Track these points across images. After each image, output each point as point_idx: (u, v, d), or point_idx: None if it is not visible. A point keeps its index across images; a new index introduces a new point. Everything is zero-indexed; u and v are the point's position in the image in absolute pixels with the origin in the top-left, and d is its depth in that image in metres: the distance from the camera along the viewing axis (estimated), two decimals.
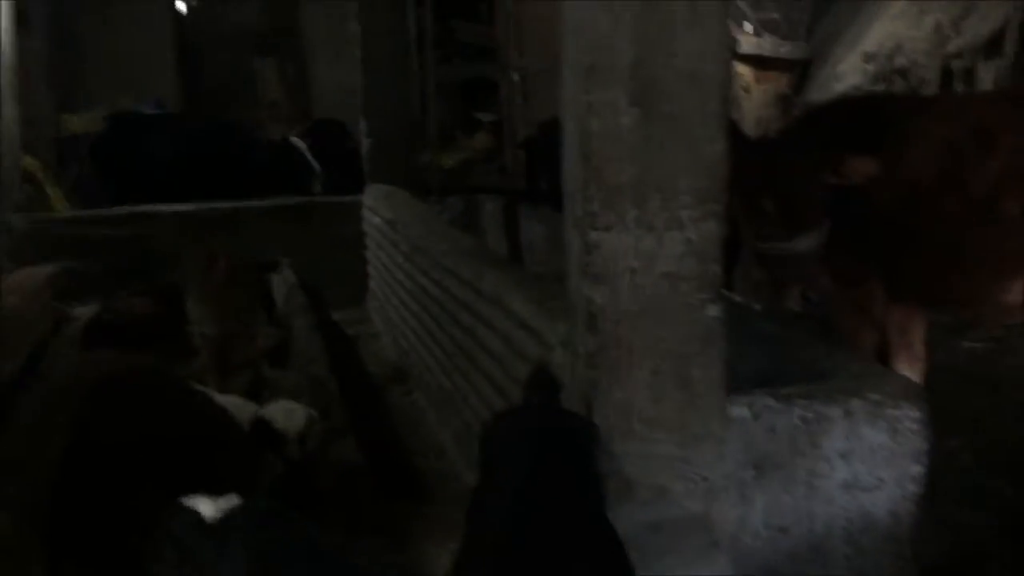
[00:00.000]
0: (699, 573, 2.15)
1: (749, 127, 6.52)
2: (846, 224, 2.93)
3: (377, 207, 5.61)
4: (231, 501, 1.49)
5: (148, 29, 9.57)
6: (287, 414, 3.08)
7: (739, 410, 2.21)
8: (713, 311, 2.14)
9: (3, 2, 6.18)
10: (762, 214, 2.79)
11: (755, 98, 7.03)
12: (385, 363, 5.07)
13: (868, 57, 6.60)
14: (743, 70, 6.91)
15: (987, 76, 6.19)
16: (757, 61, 7.03)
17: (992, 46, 6.23)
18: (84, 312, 5.68)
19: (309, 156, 7.57)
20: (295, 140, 7.77)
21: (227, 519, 1.46)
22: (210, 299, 4.10)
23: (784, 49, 7.17)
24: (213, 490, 2.14)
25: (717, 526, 2.23)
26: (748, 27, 7.07)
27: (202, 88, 10.23)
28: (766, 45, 7.09)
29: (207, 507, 1.48)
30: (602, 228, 2.07)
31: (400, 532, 2.97)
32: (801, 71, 7.30)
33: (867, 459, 2.29)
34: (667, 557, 2.13)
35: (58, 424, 2.24)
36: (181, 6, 10.46)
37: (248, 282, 4.23)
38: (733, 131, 2.29)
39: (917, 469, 2.32)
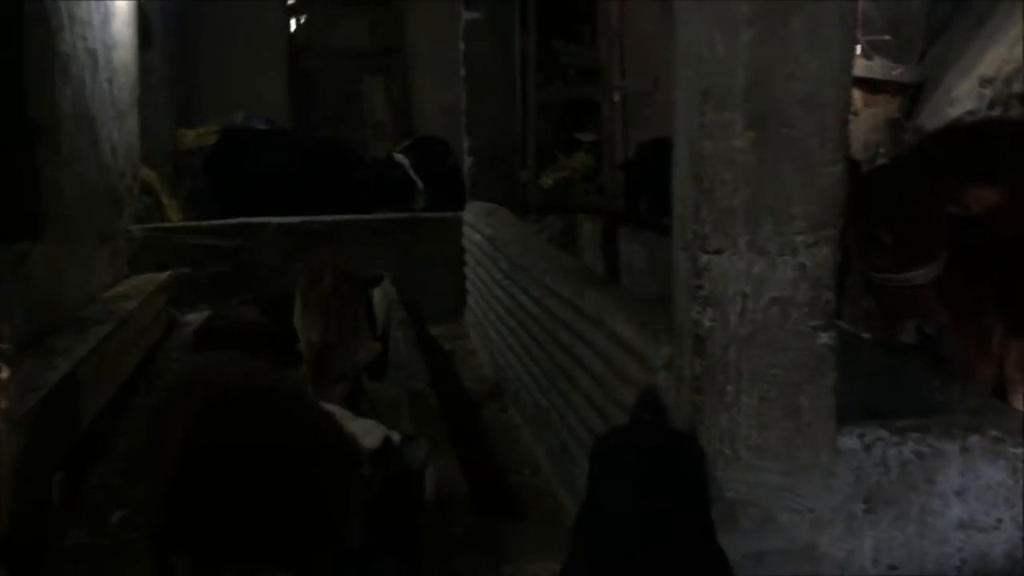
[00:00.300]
0: None
1: (857, 151, 6.36)
2: (965, 255, 2.83)
3: (478, 224, 5.68)
4: None
5: (261, 47, 9.89)
6: (364, 433, 3.12)
7: (849, 441, 2.16)
8: (825, 339, 2.10)
9: (128, 20, 6.49)
10: (877, 244, 2.71)
11: (864, 122, 6.85)
12: (481, 379, 5.11)
13: (985, 82, 6.37)
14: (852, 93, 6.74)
15: None
16: (867, 84, 6.85)
17: None
18: (195, 318, 5.92)
19: (412, 172, 7.71)
20: (398, 157, 7.92)
21: None
22: (315, 310, 4.19)
23: (895, 72, 6.96)
24: (318, 503, 2.18)
25: (823, 560, 2.18)
26: (858, 49, 6.90)
27: (310, 105, 10.53)
28: (876, 68, 6.90)
29: None
30: (712, 251, 2.06)
31: (495, 548, 2.98)
32: (912, 95, 7.09)
33: (984, 498, 2.20)
34: None
35: (177, 424, 2.32)
36: (293, 25, 10.79)
37: (353, 295, 4.31)
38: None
39: None
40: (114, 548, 3.26)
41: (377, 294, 5.78)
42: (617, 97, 8.57)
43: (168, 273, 6.23)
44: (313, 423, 2.41)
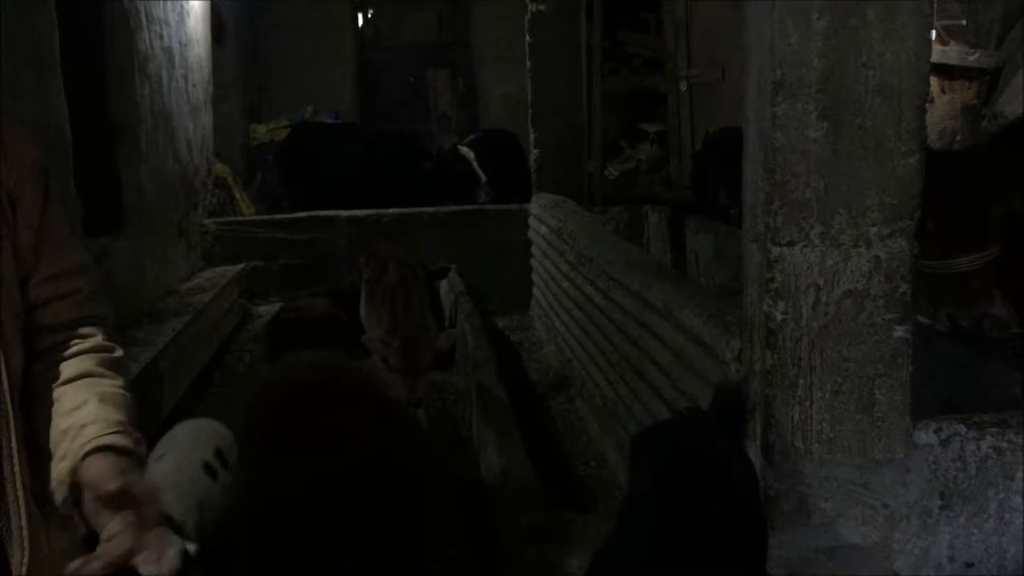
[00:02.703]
0: None
1: (932, 139, 6.20)
2: None
3: (544, 216, 5.69)
4: None
5: (329, 42, 10.03)
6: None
7: (925, 436, 2.12)
8: (900, 332, 2.06)
9: (202, 17, 6.64)
10: (923, 230, 2.64)
11: (939, 109, 6.66)
12: (548, 371, 5.12)
13: None
14: None
15: None
16: (942, 70, 6.66)
17: None
18: (267, 310, 6.05)
19: (476, 165, 7.73)
20: (463, 149, 7.96)
21: None
22: (380, 303, 4.23)
23: (972, 57, 6.75)
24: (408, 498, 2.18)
25: (897, 556, 2.15)
26: (933, 34, 6.72)
27: (377, 98, 10.65)
28: (952, 53, 6.70)
29: None
30: (784, 243, 2.04)
31: (564, 540, 3.00)
32: (990, 80, 6.88)
33: None
34: None
35: (272, 441, 2.35)
36: (360, 19, 10.92)
37: (418, 286, 4.33)
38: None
39: None
40: None
41: (443, 286, 5.83)
42: (684, 87, 8.50)
43: (241, 266, 6.37)
44: (404, 426, 2.41)
